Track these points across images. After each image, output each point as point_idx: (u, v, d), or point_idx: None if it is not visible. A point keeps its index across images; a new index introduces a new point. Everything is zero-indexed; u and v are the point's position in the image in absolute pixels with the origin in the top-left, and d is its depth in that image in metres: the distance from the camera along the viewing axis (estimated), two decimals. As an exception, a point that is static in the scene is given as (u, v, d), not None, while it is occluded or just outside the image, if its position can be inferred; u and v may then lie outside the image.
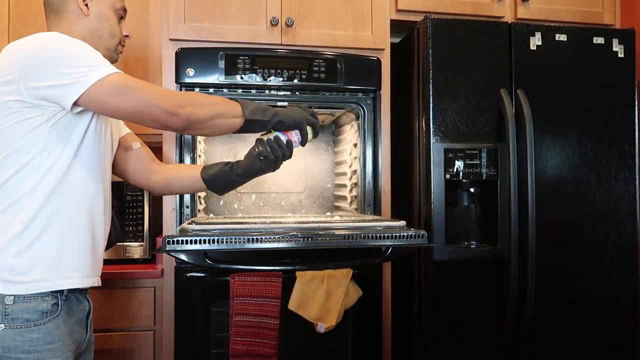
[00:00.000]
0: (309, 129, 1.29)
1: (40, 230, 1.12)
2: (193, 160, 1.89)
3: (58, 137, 1.14)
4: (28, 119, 1.10)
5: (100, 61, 1.13)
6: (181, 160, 1.86)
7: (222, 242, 1.42)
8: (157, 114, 1.13)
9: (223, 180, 1.35)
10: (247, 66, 1.86)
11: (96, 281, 1.24)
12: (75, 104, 1.10)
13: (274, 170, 1.30)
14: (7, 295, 1.09)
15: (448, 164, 1.86)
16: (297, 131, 1.28)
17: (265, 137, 1.27)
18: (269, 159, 1.26)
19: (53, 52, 1.10)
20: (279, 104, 1.94)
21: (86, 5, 1.26)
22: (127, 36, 1.36)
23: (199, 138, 2.01)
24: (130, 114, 1.14)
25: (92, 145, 1.21)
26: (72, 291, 1.18)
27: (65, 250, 1.15)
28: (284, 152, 1.27)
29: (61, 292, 1.15)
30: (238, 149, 2.23)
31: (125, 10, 1.36)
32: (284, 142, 1.26)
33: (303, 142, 1.30)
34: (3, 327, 1.08)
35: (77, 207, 1.18)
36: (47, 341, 1.11)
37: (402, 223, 1.62)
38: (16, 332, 1.09)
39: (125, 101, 1.11)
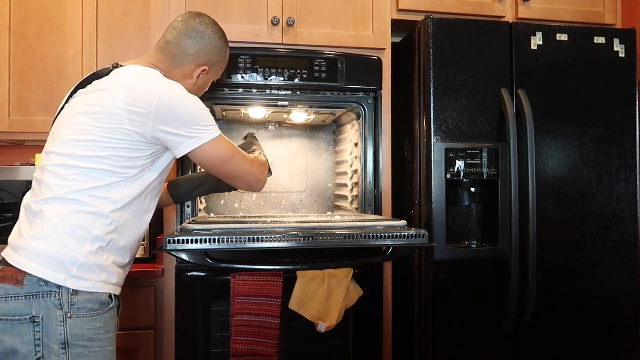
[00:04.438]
0: None
1: (110, 239, 1.24)
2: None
3: (148, 168, 1.30)
4: (138, 149, 1.25)
5: (214, 121, 1.32)
6: (182, 160, 1.86)
7: (223, 242, 1.43)
8: (249, 179, 1.41)
9: (191, 197, 1.63)
10: (249, 66, 1.86)
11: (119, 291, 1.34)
12: (185, 154, 1.29)
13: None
14: (72, 288, 1.18)
15: (449, 163, 1.86)
16: None
17: None
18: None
19: (186, 106, 1.27)
20: (280, 103, 1.94)
21: (198, 77, 1.41)
22: None
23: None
24: (227, 174, 1.39)
25: (161, 179, 1.37)
26: None
27: (117, 260, 1.28)
28: None
29: None
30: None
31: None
32: None
33: None
34: (70, 315, 1.17)
35: (137, 226, 1.32)
36: (106, 330, 1.23)
37: (403, 223, 1.62)
38: (83, 320, 1.18)
39: (228, 167, 1.35)
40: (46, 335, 1.15)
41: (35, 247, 1.18)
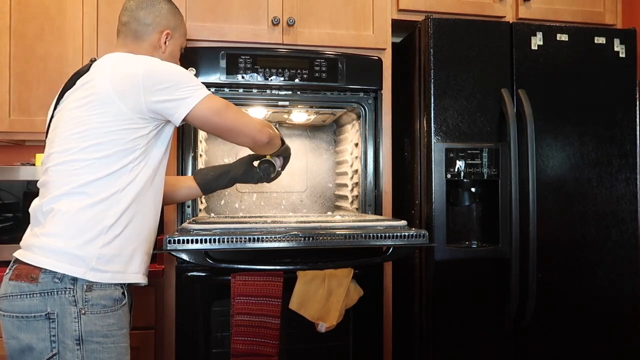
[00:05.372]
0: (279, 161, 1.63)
1: (124, 226, 1.25)
2: (194, 160, 1.89)
3: (152, 147, 1.31)
4: (136, 128, 1.26)
5: (200, 82, 1.33)
6: (182, 160, 1.86)
7: (223, 242, 1.43)
8: (250, 130, 1.38)
9: (217, 186, 1.60)
10: (249, 66, 1.86)
11: (146, 280, 1.36)
12: (184, 118, 1.29)
13: (265, 182, 1.63)
14: (88, 282, 1.19)
15: (449, 163, 1.86)
16: (282, 158, 1.62)
17: (269, 158, 1.59)
18: (269, 175, 1.59)
19: (170, 71, 1.29)
20: (280, 103, 1.94)
21: (165, 43, 1.45)
22: None
23: (200, 137, 2.01)
24: (229, 129, 1.37)
25: (166, 156, 1.38)
26: (128, 284, 1.31)
27: (137, 247, 1.29)
28: (278, 174, 1.64)
29: (125, 283, 1.28)
30: (238, 149, 2.23)
31: (186, 47, 1.59)
32: (277, 165, 1.61)
33: (283, 167, 1.64)
34: (84, 311, 1.18)
35: (151, 209, 1.34)
36: (120, 326, 1.24)
37: (403, 223, 1.62)
38: (96, 317, 1.20)
39: (227, 117, 1.34)
40: (61, 331, 1.17)
41: (50, 244, 1.20)
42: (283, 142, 1.58)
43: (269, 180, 1.61)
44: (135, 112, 1.25)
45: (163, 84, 1.26)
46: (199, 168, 1.64)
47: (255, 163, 1.60)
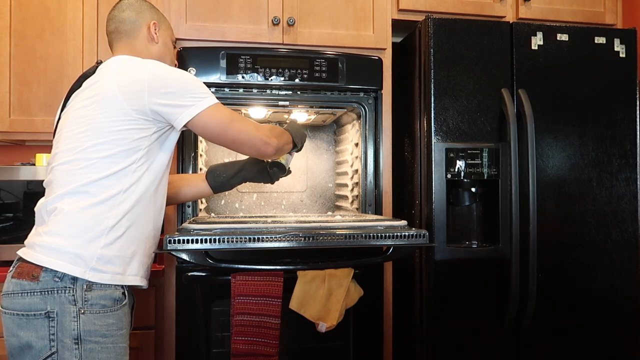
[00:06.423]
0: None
1: (126, 228, 1.26)
2: (194, 159, 1.89)
3: (156, 150, 1.31)
4: (140, 128, 1.27)
5: (209, 91, 1.34)
6: (182, 160, 1.86)
7: (224, 242, 1.43)
8: (255, 143, 1.37)
9: (230, 186, 1.61)
10: (249, 66, 1.86)
11: (147, 283, 1.37)
12: (185, 124, 1.30)
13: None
14: (88, 282, 1.20)
15: (449, 163, 1.86)
16: (294, 153, 1.66)
17: (280, 160, 1.61)
18: (278, 177, 1.63)
19: (177, 76, 1.30)
20: (281, 103, 1.94)
21: (156, 33, 1.46)
22: (176, 64, 1.61)
23: (200, 137, 2.01)
24: (231, 140, 1.37)
25: (170, 162, 1.38)
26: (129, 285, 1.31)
27: (138, 250, 1.30)
28: (288, 172, 1.66)
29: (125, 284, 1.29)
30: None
31: (176, 40, 1.62)
32: (288, 164, 1.64)
33: (300, 148, 1.66)
34: (84, 311, 1.19)
35: (154, 213, 1.34)
36: (119, 327, 1.25)
37: (404, 223, 1.62)
38: (95, 316, 1.20)
39: (229, 130, 1.33)
40: (60, 330, 1.18)
41: (51, 243, 1.20)
42: (295, 144, 1.57)
43: (279, 179, 1.65)
44: (139, 113, 1.25)
45: (167, 89, 1.27)
46: (209, 166, 1.64)
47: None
